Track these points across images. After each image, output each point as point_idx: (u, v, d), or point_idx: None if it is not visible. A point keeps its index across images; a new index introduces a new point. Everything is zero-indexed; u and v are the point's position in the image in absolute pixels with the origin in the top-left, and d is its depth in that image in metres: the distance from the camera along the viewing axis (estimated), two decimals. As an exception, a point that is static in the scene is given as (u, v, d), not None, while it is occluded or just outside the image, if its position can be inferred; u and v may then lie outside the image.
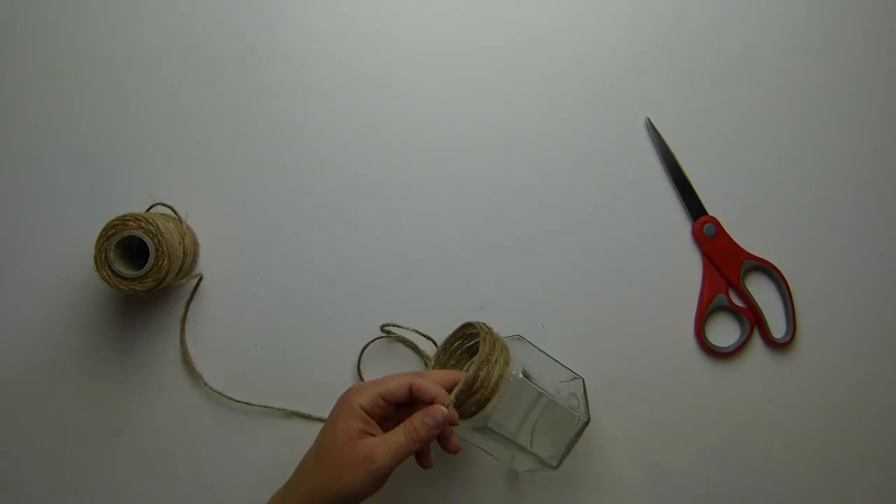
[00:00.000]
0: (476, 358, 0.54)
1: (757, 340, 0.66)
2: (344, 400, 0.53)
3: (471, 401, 0.54)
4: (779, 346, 0.65)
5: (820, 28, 0.68)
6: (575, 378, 0.61)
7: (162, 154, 0.66)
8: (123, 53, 0.67)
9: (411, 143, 0.67)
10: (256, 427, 0.64)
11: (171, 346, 0.65)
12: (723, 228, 0.66)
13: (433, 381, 0.53)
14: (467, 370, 0.59)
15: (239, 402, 0.64)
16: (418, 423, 0.51)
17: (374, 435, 0.52)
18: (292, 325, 0.65)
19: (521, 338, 0.61)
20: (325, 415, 0.56)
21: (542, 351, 0.61)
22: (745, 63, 0.67)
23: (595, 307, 0.66)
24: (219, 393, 0.64)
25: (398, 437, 0.51)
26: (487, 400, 0.54)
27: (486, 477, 0.64)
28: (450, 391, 0.53)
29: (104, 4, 0.67)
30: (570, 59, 0.67)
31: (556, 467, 0.57)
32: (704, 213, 0.66)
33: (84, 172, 0.66)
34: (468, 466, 0.64)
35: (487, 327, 0.57)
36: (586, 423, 0.58)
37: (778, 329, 0.66)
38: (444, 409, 0.51)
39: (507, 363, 0.55)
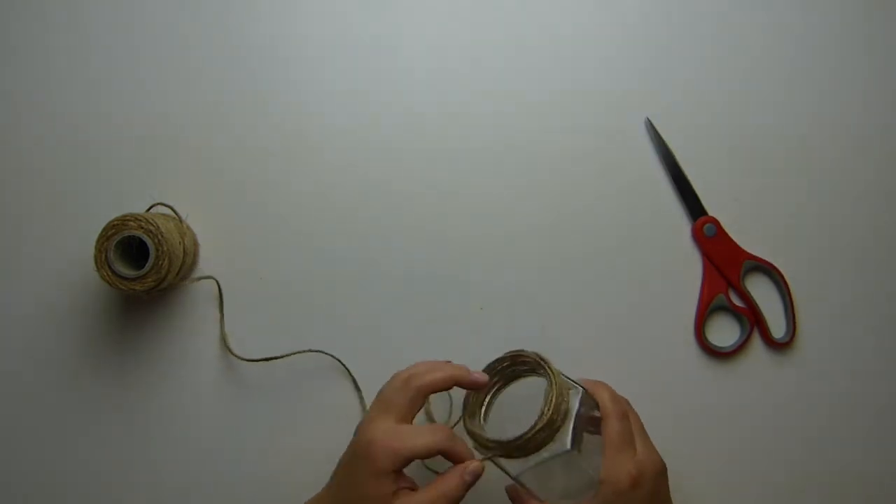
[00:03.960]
0: (545, 401, 0.51)
1: (757, 340, 0.66)
2: (370, 460, 0.50)
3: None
4: (779, 346, 0.65)
5: (821, 28, 0.67)
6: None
7: (162, 154, 0.66)
8: (124, 53, 0.67)
9: (411, 144, 0.67)
10: (258, 425, 0.64)
11: (170, 345, 0.65)
12: (723, 228, 0.66)
13: (463, 444, 0.51)
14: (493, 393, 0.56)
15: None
16: (453, 487, 0.50)
17: (404, 488, 0.50)
18: (292, 324, 0.65)
19: (575, 385, 0.55)
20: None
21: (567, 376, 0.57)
22: (745, 63, 0.67)
23: (594, 308, 0.66)
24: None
25: (435, 499, 0.49)
26: (544, 443, 0.51)
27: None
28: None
29: (105, 5, 0.67)
30: (569, 58, 0.67)
31: None
32: (704, 213, 0.66)
33: (84, 172, 0.66)
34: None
35: (550, 366, 0.53)
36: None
37: (778, 329, 0.66)
38: (480, 465, 0.51)
39: (566, 407, 0.52)
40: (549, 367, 0.53)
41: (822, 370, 0.65)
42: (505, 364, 0.56)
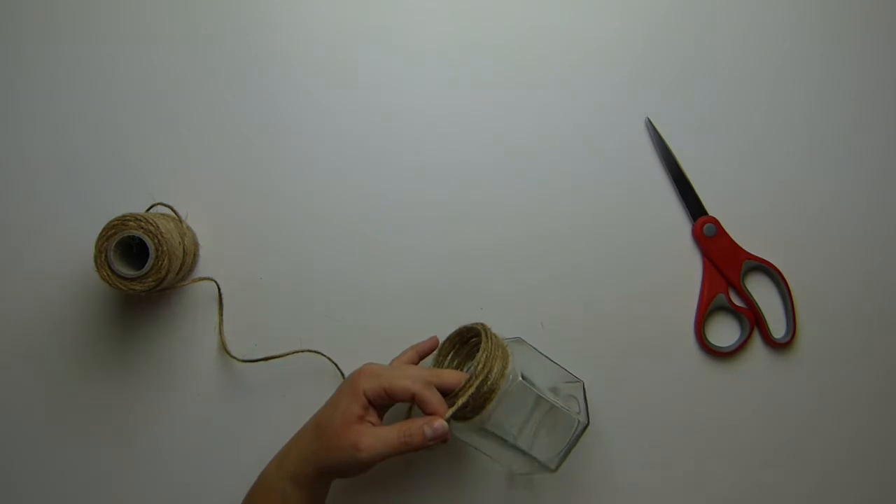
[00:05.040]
0: (476, 360, 0.54)
1: (757, 340, 0.66)
2: (352, 381, 0.54)
3: (469, 404, 0.54)
4: (779, 346, 0.65)
5: (821, 28, 0.67)
6: (575, 381, 0.61)
7: (162, 154, 0.66)
8: (123, 53, 0.67)
9: (411, 143, 0.67)
10: (256, 425, 0.64)
11: (170, 345, 0.65)
12: (723, 228, 0.66)
13: (437, 396, 0.53)
14: (467, 371, 0.59)
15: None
16: (416, 429, 0.52)
17: (371, 422, 0.53)
18: (292, 325, 0.65)
19: (520, 340, 0.60)
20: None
21: (541, 353, 0.61)
22: (745, 63, 0.67)
23: (595, 307, 0.66)
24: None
25: (391, 435, 0.52)
26: (485, 403, 0.54)
27: (485, 478, 0.64)
28: (452, 391, 0.54)
29: (104, 7, 0.67)
30: (570, 59, 0.67)
31: (555, 470, 0.57)
32: (704, 213, 0.66)
33: (84, 172, 0.66)
34: (466, 467, 0.64)
35: (487, 328, 0.57)
36: (585, 427, 0.58)
37: (778, 329, 0.66)
38: (444, 423, 0.52)
39: (505, 366, 0.55)
40: (486, 334, 0.56)
41: (822, 370, 0.65)
42: (457, 345, 0.60)
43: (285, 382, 0.64)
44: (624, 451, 0.64)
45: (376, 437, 0.51)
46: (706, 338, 0.65)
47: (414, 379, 0.53)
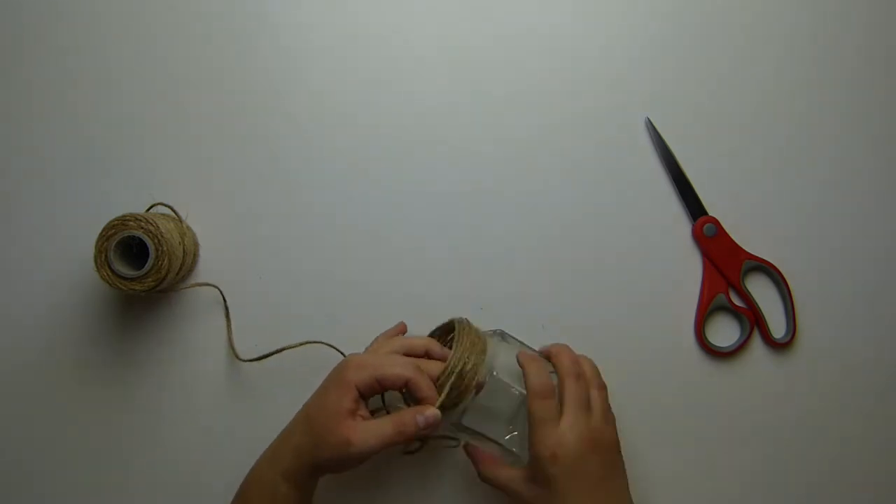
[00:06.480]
0: (452, 353, 0.55)
1: (757, 340, 0.66)
2: (341, 373, 0.54)
3: (453, 391, 0.54)
4: (779, 346, 0.65)
5: (820, 27, 0.67)
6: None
7: (162, 154, 0.66)
8: (123, 54, 0.67)
9: (411, 143, 0.67)
10: (255, 425, 0.64)
11: (171, 345, 0.65)
12: (723, 228, 0.66)
13: (428, 382, 0.53)
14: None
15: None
16: (408, 419, 0.52)
17: (361, 416, 0.53)
18: (292, 324, 0.65)
19: (501, 333, 0.60)
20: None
21: (524, 345, 0.61)
22: (745, 63, 0.67)
23: (595, 307, 0.66)
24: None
25: (385, 428, 0.52)
26: (467, 391, 0.54)
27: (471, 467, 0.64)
28: (434, 380, 0.55)
29: (104, 7, 0.67)
30: (569, 58, 0.67)
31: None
32: (704, 213, 0.66)
33: (84, 173, 0.66)
34: (456, 456, 0.64)
35: (466, 322, 0.58)
36: None
37: (778, 329, 0.66)
38: (436, 412, 0.52)
39: (484, 351, 0.55)
40: (461, 329, 0.57)
41: (821, 370, 0.65)
42: (439, 331, 0.61)
43: (290, 380, 0.64)
44: (623, 452, 0.64)
45: (368, 431, 0.51)
46: (706, 338, 0.65)
47: (405, 365, 0.53)
